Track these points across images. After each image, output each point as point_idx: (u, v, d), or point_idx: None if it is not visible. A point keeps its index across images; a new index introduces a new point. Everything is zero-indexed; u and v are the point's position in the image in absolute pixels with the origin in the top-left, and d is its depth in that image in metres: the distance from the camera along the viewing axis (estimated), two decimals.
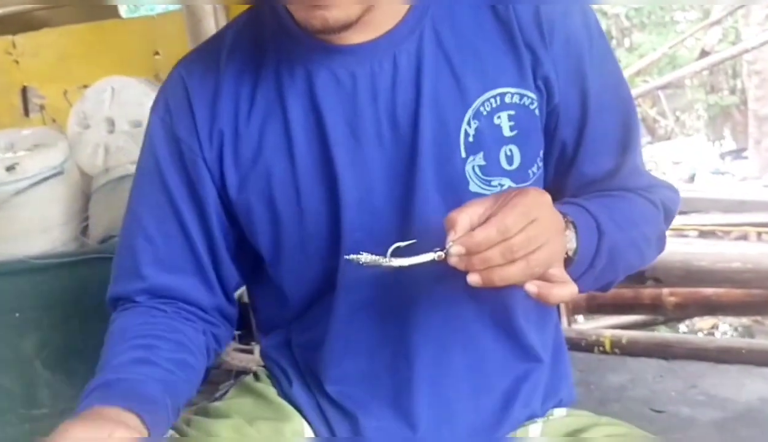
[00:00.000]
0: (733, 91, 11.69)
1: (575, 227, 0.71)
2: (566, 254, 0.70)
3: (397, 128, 0.77)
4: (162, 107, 0.83)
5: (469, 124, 0.77)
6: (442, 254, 0.64)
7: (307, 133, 0.78)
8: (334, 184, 0.77)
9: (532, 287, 0.64)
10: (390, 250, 0.66)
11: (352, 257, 0.67)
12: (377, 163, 0.77)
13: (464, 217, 0.64)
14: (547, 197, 0.67)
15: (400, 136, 0.77)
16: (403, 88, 0.77)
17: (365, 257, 0.66)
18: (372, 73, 0.77)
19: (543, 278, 0.66)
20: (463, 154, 0.77)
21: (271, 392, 0.90)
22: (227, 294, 0.88)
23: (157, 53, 2.36)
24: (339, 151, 0.77)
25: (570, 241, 0.70)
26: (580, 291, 0.79)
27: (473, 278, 0.63)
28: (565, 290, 0.66)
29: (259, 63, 0.80)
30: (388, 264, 0.66)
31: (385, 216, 0.77)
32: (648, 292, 3.59)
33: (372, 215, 0.78)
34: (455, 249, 0.63)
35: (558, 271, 0.66)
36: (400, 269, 0.66)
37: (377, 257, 0.66)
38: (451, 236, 0.63)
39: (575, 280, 0.75)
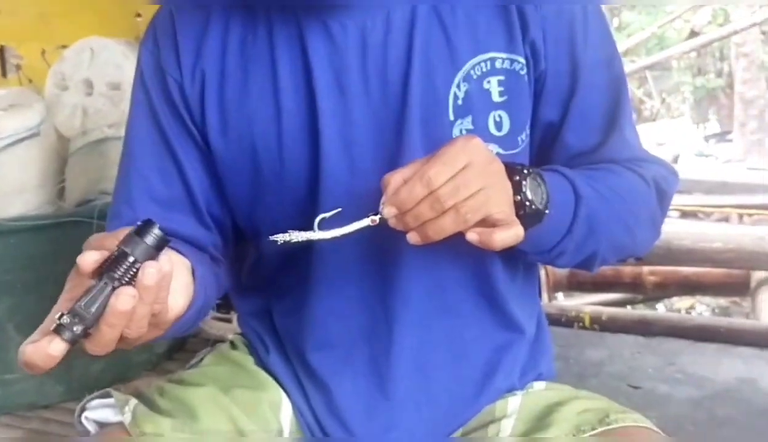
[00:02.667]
0: (719, 74, 11.76)
1: (542, 180, 0.68)
2: (518, 199, 0.66)
3: (386, 85, 0.76)
4: (150, 39, 0.82)
5: (458, 86, 0.76)
6: (376, 218, 0.63)
7: (294, 81, 0.77)
8: (317, 136, 0.76)
9: (472, 235, 0.63)
10: (316, 222, 0.63)
11: (279, 237, 0.64)
12: (363, 119, 0.76)
13: (397, 177, 0.62)
14: (477, 141, 0.63)
15: (389, 94, 0.76)
16: (395, 46, 0.76)
17: (295, 235, 0.64)
18: (364, 27, 0.76)
19: (487, 223, 0.63)
20: (452, 117, 0.76)
21: (248, 360, 0.89)
22: (224, 234, 0.86)
23: (138, 15, 2.30)
24: (324, 103, 0.76)
25: (526, 189, 0.66)
26: (562, 264, 0.78)
27: (411, 237, 0.62)
28: (508, 232, 0.63)
29: (250, 6, 0.78)
30: (320, 238, 0.63)
31: (368, 173, 0.76)
32: (628, 270, 3.63)
33: (354, 172, 0.76)
34: (386, 211, 0.62)
35: (502, 215, 0.63)
36: (335, 239, 0.64)
37: (308, 233, 0.63)
38: (383, 199, 0.62)
39: (553, 248, 0.73)
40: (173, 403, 0.79)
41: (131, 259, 0.56)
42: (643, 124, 11.23)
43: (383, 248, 0.78)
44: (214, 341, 1.58)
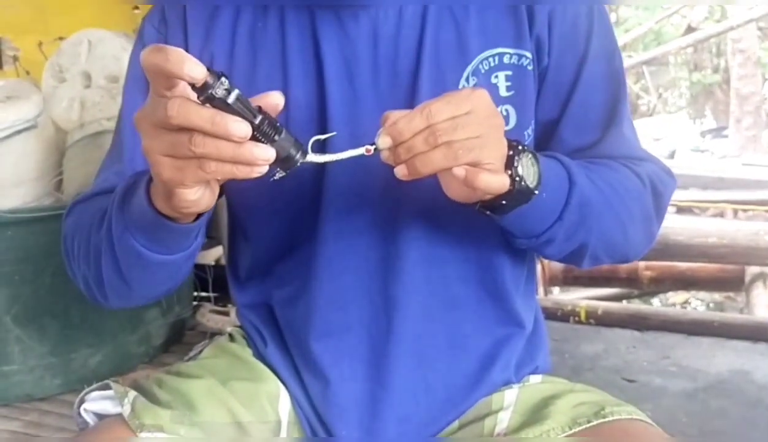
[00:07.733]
0: (716, 70, 11.75)
1: (537, 161, 0.67)
2: (509, 174, 0.65)
3: (396, 78, 0.77)
4: (158, 17, 0.82)
5: (467, 80, 0.77)
6: (371, 147, 0.62)
7: (304, 69, 0.78)
8: (324, 125, 0.77)
9: (459, 170, 0.61)
10: (310, 143, 0.62)
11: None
12: (371, 110, 0.76)
13: (396, 113, 0.62)
14: (484, 92, 0.62)
15: (398, 86, 0.77)
16: (406, 39, 0.77)
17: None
18: (376, 18, 0.77)
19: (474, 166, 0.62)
20: None
21: (246, 352, 0.89)
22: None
23: (136, 8, 2.29)
24: (333, 91, 0.77)
25: (518, 164, 0.65)
26: (550, 253, 0.77)
27: (399, 171, 0.62)
28: (495, 176, 0.62)
29: None
30: (312, 160, 0.62)
31: (375, 163, 0.76)
32: (624, 265, 3.64)
33: (359, 162, 0.76)
34: (381, 140, 0.61)
35: (491, 167, 0.62)
36: (328, 164, 0.63)
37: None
38: (380, 130, 0.62)
39: (542, 233, 0.73)
40: (172, 395, 0.79)
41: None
42: (640, 120, 11.24)
43: (386, 238, 0.78)
44: (212, 335, 1.58)
